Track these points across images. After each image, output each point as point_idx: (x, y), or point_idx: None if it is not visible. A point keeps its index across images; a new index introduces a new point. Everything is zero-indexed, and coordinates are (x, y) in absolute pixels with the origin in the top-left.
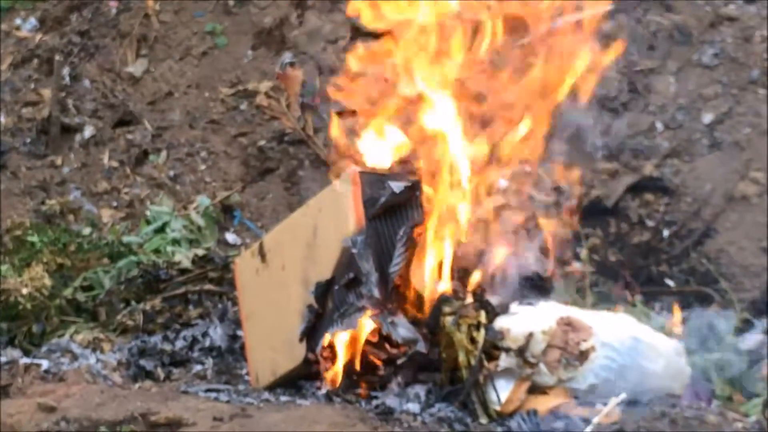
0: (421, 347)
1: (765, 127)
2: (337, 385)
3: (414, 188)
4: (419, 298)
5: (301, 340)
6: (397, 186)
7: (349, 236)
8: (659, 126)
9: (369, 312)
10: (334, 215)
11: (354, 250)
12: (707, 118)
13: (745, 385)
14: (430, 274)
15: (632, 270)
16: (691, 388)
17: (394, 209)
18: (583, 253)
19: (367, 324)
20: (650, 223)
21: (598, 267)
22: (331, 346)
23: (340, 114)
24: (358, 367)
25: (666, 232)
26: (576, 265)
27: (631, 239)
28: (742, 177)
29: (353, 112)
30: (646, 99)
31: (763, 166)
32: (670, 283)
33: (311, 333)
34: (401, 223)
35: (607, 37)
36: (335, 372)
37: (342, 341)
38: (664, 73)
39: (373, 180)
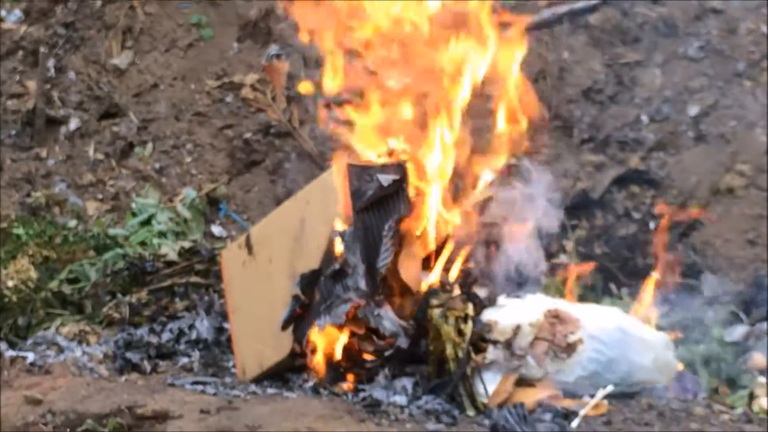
0: (403, 342)
1: (750, 119)
2: (324, 377)
3: (401, 181)
4: (407, 290)
5: (283, 328)
6: (385, 179)
7: (336, 229)
8: (645, 118)
9: (356, 304)
10: (322, 207)
11: (341, 243)
12: (693, 110)
13: (731, 376)
14: (418, 267)
15: (618, 262)
16: (677, 381)
17: (381, 201)
18: (570, 245)
19: (354, 316)
20: (636, 216)
21: (585, 259)
22: (317, 339)
23: (327, 106)
24: (345, 359)
25: (652, 225)
26: (562, 258)
27: (617, 232)
28: (728, 169)
29: (341, 104)
30: (631, 91)
31: (748, 158)
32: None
33: (298, 325)
34: (388, 216)
35: (595, 30)
36: (322, 364)
37: (329, 333)
38: (649, 66)
39: (361, 172)
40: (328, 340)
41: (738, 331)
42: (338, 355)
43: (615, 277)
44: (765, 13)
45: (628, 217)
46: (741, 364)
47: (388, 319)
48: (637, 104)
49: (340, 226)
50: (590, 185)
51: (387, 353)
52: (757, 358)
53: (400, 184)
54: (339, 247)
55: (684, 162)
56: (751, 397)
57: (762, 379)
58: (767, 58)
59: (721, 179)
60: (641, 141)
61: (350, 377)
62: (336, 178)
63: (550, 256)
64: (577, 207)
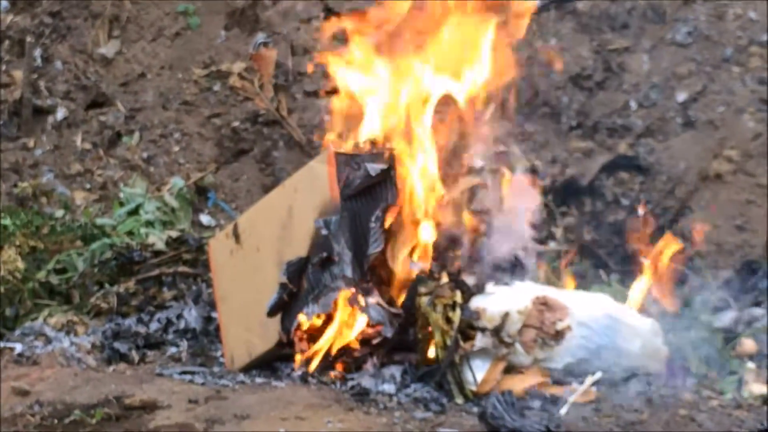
0: (388, 332)
1: (739, 105)
2: (312, 366)
3: (389, 169)
4: (395, 278)
5: (269, 315)
6: (372, 168)
7: (321, 217)
8: (633, 105)
9: (344, 292)
10: (310, 195)
11: (325, 231)
12: (681, 96)
13: (720, 363)
14: (406, 255)
15: (607, 249)
16: (666, 367)
17: (369, 189)
18: (558, 232)
19: (341, 305)
20: (625, 202)
21: (573, 246)
22: (306, 327)
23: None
24: (333, 348)
25: (641, 211)
26: (551, 245)
27: (606, 218)
28: (716, 155)
29: (330, 92)
30: (620, 78)
31: (736, 144)
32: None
33: (286, 314)
34: (376, 204)
35: (583, 16)
36: (310, 353)
37: (317, 322)
38: (637, 52)
39: (349, 160)
40: (316, 328)
41: (726, 317)
42: (327, 343)
43: (604, 263)
44: None
45: (617, 203)
46: (730, 349)
47: (374, 308)
48: (626, 90)
49: (328, 214)
50: (579, 172)
51: (374, 341)
52: (746, 344)
53: (388, 173)
54: (324, 236)
55: (672, 148)
56: (740, 382)
57: (751, 365)
58: (755, 43)
59: (709, 165)
60: (629, 127)
61: (339, 366)
62: (324, 166)
63: (538, 242)
64: (566, 194)
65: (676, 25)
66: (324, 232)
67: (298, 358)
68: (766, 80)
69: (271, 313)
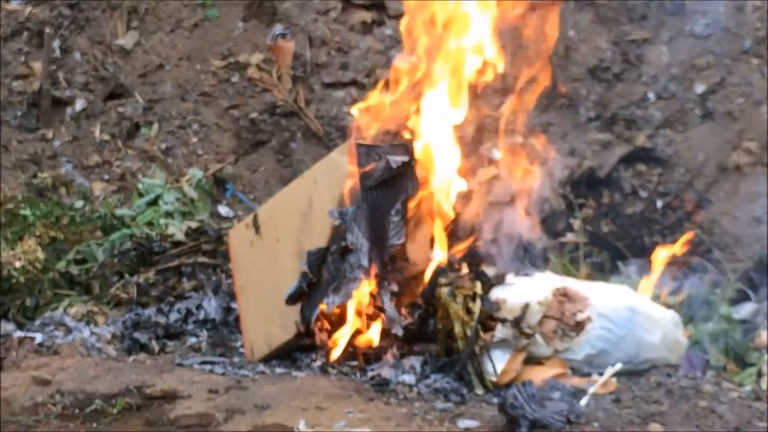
0: (398, 330)
1: (757, 97)
2: (333, 356)
3: (410, 161)
4: (415, 269)
5: (287, 302)
6: (394, 161)
7: (337, 208)
8: (652, 96)
9: (364, 283)
10: (330, 187)
11: (337, 222)
12: (700, 88)
13: (739, 354)
14: (427, 246)
15: (626, 240)
16: (686, 358)
17: (389, 181)
18: (577, 223)
19: (362, 295)
20: (643, 194)
21: (591, 238)
22: (326, 317)
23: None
24: (353, 338)
25: (659, 203)
26: (569, 236)
27: (624, 210)
28: (735, 147)
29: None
30: (638, 69)
31: (755, 135)
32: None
33: (305, 304)
34: (397, 195)
35: (601, 7)
36: (331, 343)
37: (336, 313)
38: (656, 43)
39: (369, 152)
40: (336, 318)
41: (746, 309)
42: (349, 334)
43: (622, 255)
44: None
45: (635, 195)
46: (748, 341)
47: (388, 304)
48: (644, 82)
49: (345, 205)
50: (597, 163)
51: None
52: (765, 336)
53: (409, 164)
54: (337, 226)
55: (691, 140)
56: (759, 374)
57: None
58: None
59: (728, 157)
60: (648, 119)
61: (359, 356)
62: (344, 157)
63: (557, 234)
64: (584, 185)
65: (695, 16)
66: (337, 222)
67: (319, 348)
68: None
69: (290, 300)
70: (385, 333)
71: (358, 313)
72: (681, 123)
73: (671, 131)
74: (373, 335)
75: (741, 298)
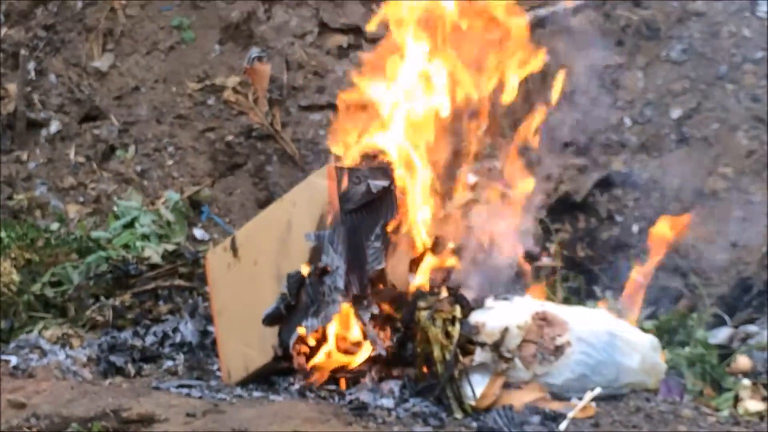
0: (381, 350)
1: (733, 122)
2: (312, 380)
3: (390, 185)
4: (394, 292)
5: (264, 323)
6: (374, 185)
7: (314, 231)
8: (627, 121)
9: (344, 306)
10: (309, 210)
11: (314, 244)
12: (675, 113)
13: (715, 379)
14: (405, 269)
15: (602, 265)
16: (664, 383)
17: (369, 204)
18: (553, 248)
19: (341, 318)
20: (619, 219)
21: (568, 262)
22: (304, 341)
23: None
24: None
25: (635, 228)
26: (546, 261)
27: (600, 234)
28: (711, 172)
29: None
30: (614, 94)
31: (731, 161)
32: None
33: (283, 327)
34: (377, 219)
35: (576, 33)
36: (310, 367)
37: (315, 336)
38: (632, 69)
39: (349, 175)
40: (314, 342)
41: (722, 334)
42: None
43: (598, 279)
44: (747, 16)
45: (611, 219)
46: (725, 366)
47: (368, 327)
48: (620, 107)
49: (324, 228)
50: (573, 188)
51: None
52: (741, 361)
53: (389, 188)
54: (314, 248)
55: (667, 165)
56: (736, 399)
57: (746, 382)
58: (749, 61)
59: (704, 182)
60: (624, 144)
61: (337, 380)
62: (323, 180)
63: (534, 258)
64: (560, 210)
65: (671, 42)
66: (313, 243)
67: (297, 372)
68: (760, 98)
69: (267, 320)
70: (365, 357)
71: (338, 337)
72: (657, 148)
73: (647, 156)
74: (352, 358)
75: (717, 323)
